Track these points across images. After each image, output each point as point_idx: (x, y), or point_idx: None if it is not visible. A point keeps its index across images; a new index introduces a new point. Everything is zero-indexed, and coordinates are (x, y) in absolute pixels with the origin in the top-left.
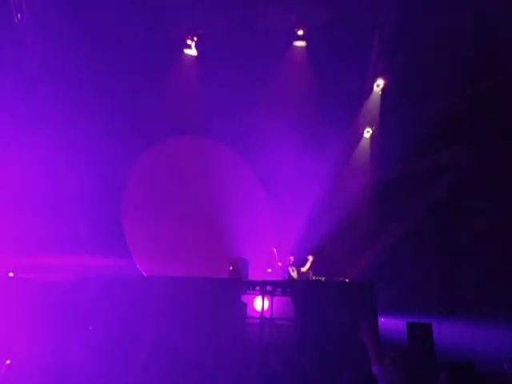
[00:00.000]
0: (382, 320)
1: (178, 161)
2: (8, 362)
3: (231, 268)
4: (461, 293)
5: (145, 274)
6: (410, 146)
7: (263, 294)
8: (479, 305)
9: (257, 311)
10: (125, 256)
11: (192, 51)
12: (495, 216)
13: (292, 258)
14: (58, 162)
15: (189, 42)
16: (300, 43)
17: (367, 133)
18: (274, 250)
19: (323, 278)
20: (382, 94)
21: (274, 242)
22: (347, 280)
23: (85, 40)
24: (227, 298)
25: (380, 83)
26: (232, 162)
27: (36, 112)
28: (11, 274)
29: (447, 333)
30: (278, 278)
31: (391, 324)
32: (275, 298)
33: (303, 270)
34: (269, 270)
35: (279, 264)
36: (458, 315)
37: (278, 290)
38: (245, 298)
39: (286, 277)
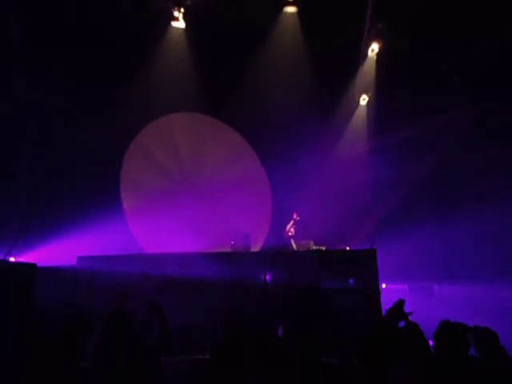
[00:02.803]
0: (383, 286)
1: (175, 136)
2: None
3: (233, 242)
4: (461, 256)
5: (146, 250)
6: (407, 110)
7: (266, 265)
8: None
9: (260, 281)
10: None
11: (180, 23)
12: (495, 178)
13: (292, 229)
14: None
15: (176, 13)
16: (291, 9)
17: (363, 100)
18: (296, 216)
19: (324, 247)
20: (377, 60)
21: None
22: (348, 248)
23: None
24: (233, 270)
25: (375, 48)
26: (228, 136)
27: None
28: (13, 259)
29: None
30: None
31: (392, 290)
32: (277, 269)
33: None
34: None
35: (291, 232)
36: (458, 278)
37: (280, 260)
38: (249, 270)
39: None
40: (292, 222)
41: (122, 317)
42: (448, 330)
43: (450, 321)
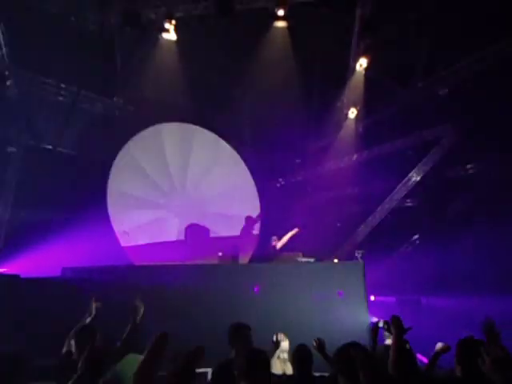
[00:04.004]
0: (371, 298)
1: (164, 147)
2: None
3: (220, 253)
4: (449, 268)
5: (133, 261)
6: (395, 124)
7: (254, 276)
8: (468, 279)
9: (248, 293)
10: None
11: (171, 35)
12: (482, 191)
13: (276, 241)
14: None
15: (167, 25)
16: (280, 23)
17: (352, 113)
18: (297, 230)
19: (312, 259)
20: (365, 74)
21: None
22: (336, 260)
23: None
24: (221, 282)
25: (363, 63)
26: (217, 147)
27: None
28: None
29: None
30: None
31: (381, 302)
32: (266, 280)
33: (279, 244)
34: None
35: (277, 242)
36: (446, 290)
37: (269, 271)
38: (236, 282)
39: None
40: (291, 233)
41: (88, 333)
42: (471, 346)
43: (473, 337)
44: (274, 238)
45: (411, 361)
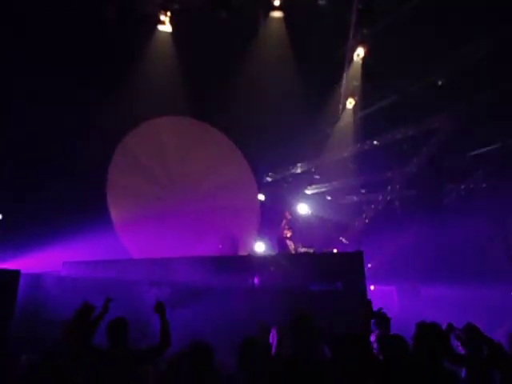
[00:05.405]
0: (371, 288)
1: (162, 140)
2: None
3: (221, 246)
4: (446, 257)
5: (133, 256)
6: (393, 115)
7: (255, 268)
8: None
9: (248, 285)
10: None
11: (166, 27)
12: (478, 181)
13: (287, 231)
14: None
15: (162, 17)
16: (277, 13)
17: (349, 104)
18: (288, 214)
19: (312, 250)
20: (362, 64)
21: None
22: (335, 250)
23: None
24: (221, 274)
25: (360, 52)
26: (216, 139)
27: None
28: None
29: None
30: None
31: (381, 291)
32: (267, 272)
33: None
34: None
35: (286, 234)
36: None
37: (269, 263)
38: (236, 274)
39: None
40: (284, 221)
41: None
42: (424, 332)
43: (426, 322)
44: (286, 226)
45: (404, 346)
